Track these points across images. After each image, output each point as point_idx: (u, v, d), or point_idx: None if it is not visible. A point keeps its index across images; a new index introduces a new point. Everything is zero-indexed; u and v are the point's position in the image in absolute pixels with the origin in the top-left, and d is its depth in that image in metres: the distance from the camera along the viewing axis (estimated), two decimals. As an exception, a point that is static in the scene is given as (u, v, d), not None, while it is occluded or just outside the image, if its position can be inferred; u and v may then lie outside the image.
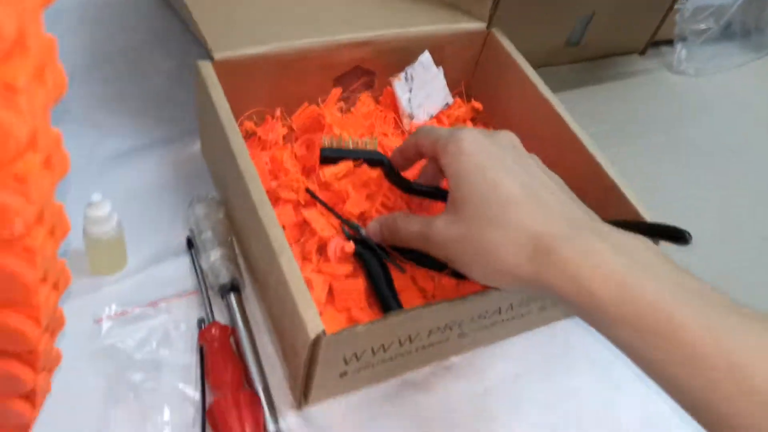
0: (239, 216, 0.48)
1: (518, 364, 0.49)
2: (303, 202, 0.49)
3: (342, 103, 0.57)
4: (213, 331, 0.45)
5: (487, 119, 0.61)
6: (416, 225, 0.41)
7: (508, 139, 0.41)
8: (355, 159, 0.48)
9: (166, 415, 0.42)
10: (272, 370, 0.45)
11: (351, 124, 0.55)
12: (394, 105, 0.58)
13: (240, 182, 0.43)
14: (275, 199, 0.50)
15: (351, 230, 0.47)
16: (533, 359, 0.50)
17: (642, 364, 0.32)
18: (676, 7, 0.77)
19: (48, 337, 0.29)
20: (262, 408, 0.42)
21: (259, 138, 0.55)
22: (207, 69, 0.48)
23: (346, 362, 0.40)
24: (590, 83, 0.77)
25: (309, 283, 0.45)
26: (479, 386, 0.48)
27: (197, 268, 0.48)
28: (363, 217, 0.49)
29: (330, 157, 0.48)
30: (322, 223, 0.48)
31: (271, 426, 0.42)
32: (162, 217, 0.52)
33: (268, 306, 0.46)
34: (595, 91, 0.76)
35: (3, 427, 0.33)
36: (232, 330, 0.46)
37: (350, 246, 0.45)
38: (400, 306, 0.44)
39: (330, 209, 0.48)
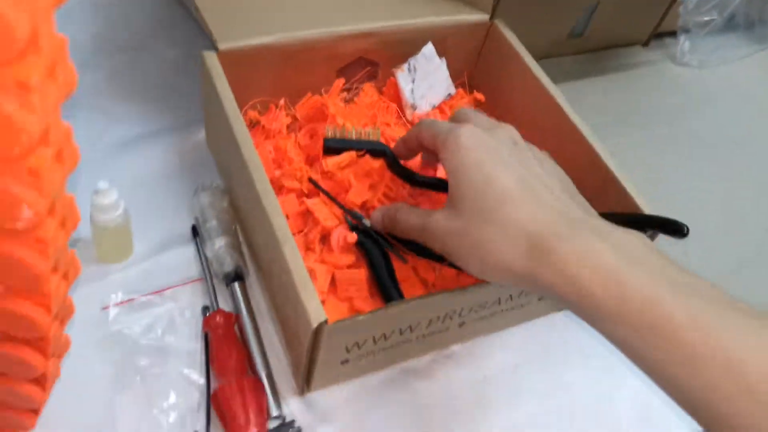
0: (243, 205, 0.49)
1: (517, 353, 0.50)
2: (306, 192, 0.50)
3: (345, 94, 0.58)
4: (217, 318, 0.45)
5: (489, 110, 0.62)
6: (415, 217, 0.42)
7: (507, 134, 0.41)
8: (357, 150, 0.49)
9: (172, 399, 0.43)
10: (275, 356, 0.46)
11: (354, 114, 0.56)
12: (397, 95, 0.59)
13: (244, 172, 0.43)
14: (279, 188, 0.51)
15: (354, 220, 0.48)
16: (532, 349, 0.51)
17: (640, 363, 0.32)
18: (679, -2, 0.77)
19: (58, 324, 0.30)
20: (266, 393, 0.43)
21: (263, 127, 0.55)
22: (212, 59, 0.49)
23: (347, 350, 0.41)
24: (593, 74, 0.77)
25: (312, 273, 0.46)
26: (479, 374, 0.49)
27: (202, 256, 0.49)
28: (365, 206, 0.49)
29: (333, 147, 0.48)
30: (325, 213, 0.48)
31: (274, 411, 0.43)
32: (167, 205, 0.53)
33: (271, 294, 0.47)
34: (598, 83, 0.76)
35: (15, 410, 0.34)
36: (236, 317, 0.46)
37: (353, 236, 0.46)
38: (401, 296, 0.45)
39: (333, 199, 0.49)
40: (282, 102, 0.56)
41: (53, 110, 0.21)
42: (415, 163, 0.51)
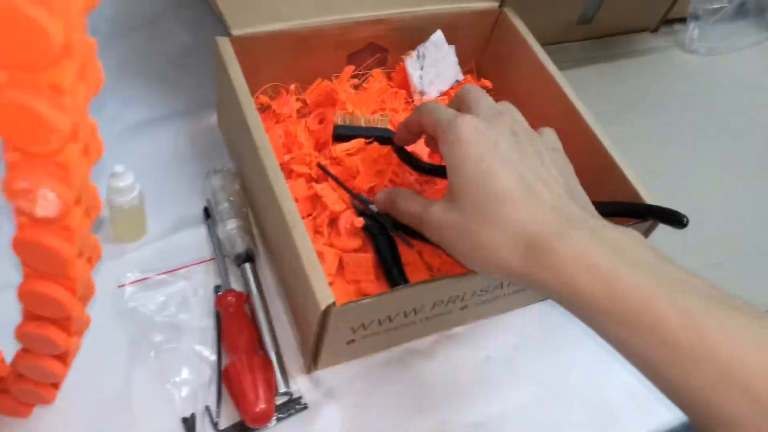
0: (254, 188, 0.50)
1: (517, 336, 0.52)
2: (315, 177, 0.51)
3: (355, 80, 0.59)
4: (229, 297, 0.47)
5: (496, 97, 0.62)
6: (415, 205, 0.42)
7: (508, 124, 0.40)
8: (366, 137, 0.50)
9: (185, 374, 0.45)
10: (284, 335, 0.47)
11: (363, 100, 0.56)
12: (405, 81, 0.59)
13: (256, 158, 0.45)
14: (289, 172, 0.52)
15: (361, 204, 0.49)
16: (532, 332, 0.52)
17: (635, 361, 0.33)
18: (690, -16, 0.77)
19: (81, 304, 0.31)
20: (274, 371, 0.45)
21: (274, 111, 0.56)
22: (225, 45, 0.50)
23: (353, 331, 0.43)
24: (601, 61, 0.77)
25: (320, 256, 0.47)
26: (480, 355, 0.50)
27: (214, 237, 0.51)
28: (373, 192, 0.51)
29: (342, 134, 0.50)
30: (333, 198, 0.50)
31: (282, 387, 0.44)
32: (180, 187, 0.54)
33: (281, 275, 0.49)
34: (605, 69, 0.76)
35: (38, 384, 0.36)
36: (247, 297, 0.48)
37: (360, 221, 0.47)
38: (406, 280, 0.47)
39: (341, 184, 0.50)
40: (292, 87, 0.57)
41: (82, 109, 0.22)
42: (424, 151, 0.52)
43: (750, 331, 0.30)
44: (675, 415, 0.48)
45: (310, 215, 0.51)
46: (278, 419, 0.44)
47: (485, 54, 0.63)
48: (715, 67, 0.81)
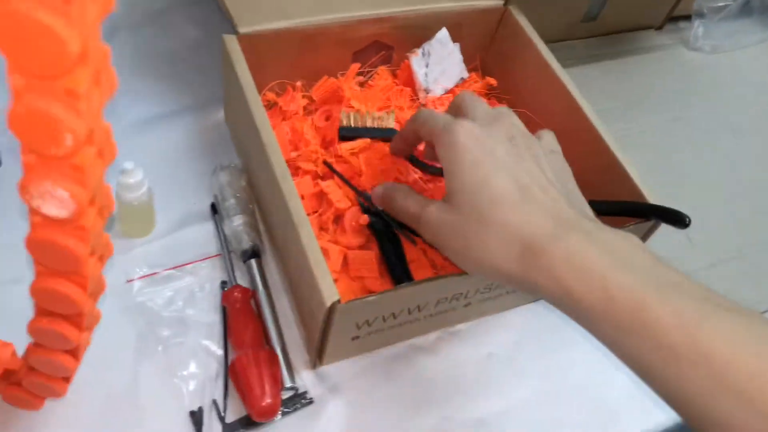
0: (261, 185, 0.51)
1: (519, 333, 0.52)
2: (321, 174, 0.52)
3: (360, 77, 0.59)
4: (235, 293, 0.48)
5: (501, 95, 0.63)
6: (412, 204, 0.42)
7: (504, 129, 0.40)
8: (371, 138, 0.50)
9: (192, 368, 0.46)
10: (290, 331, 0.48)
11: (369, 98, 0.57)
12: (410, 79, 0.60)
13: (263, 155, 0.45)
14: (295, 169, 0.52)
15: (366, 202, 0.50)
16: (533, 329, 0.53)
17: (628, 363, 0.33)
18: (695, -19, 0.77)
19: (92, 301, 0.32)
20: (280, 366, 0.45)
21: (281, 108, 0.57)
22: (232, 43, 0.50)
23: (358, 327, 0.43)
24: (606, 58, 0.77)
25: (325, 253, 0.48)
26: (482, 351, 0.51)
27: (221, 233, 0.51)
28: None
29: (347, 136, 0.50)
30: (338, 195, 0.50)
31: (287, 382, 0.45)
32: (188, 183, 0.55)
33: (287, 272, 0.49)
34: (610, 67, 0.77)
35: (49, 378, 0.37)
36: (253, 292, 0.49)
37: (365, 218, 0.48)
38: (410, 277, 0.47)
39: (346, 181, 0.51)
40: (299, 84, 0.57)
41: (97, 113, 0.23)
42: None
43: (745, 334, 0.30)
44: (674, 414, 0.49)
45: (315, 212, 0.51)
46: (284, 413, 0.45)
47: (490, 52, 0.64)
48: (720, 65, 0.81)
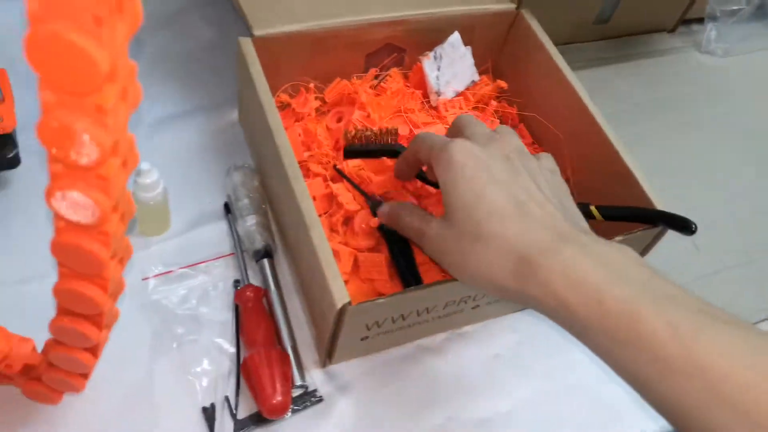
0: (273, 185, 0.52)
1: (525, 334, 0.53)
2: (331, 176, 0.53)
3: (373, 81, 0.60)
4: (248, 292, 0.49)
5: (511, 98, 0.63)
6: (416, 220, 0.42)
7: (502, 147, 0.41)
8: (376, 157, 0.51)
9: (205, 365, 0.47)
10: (300, 330, 0.49)
11: (381, 103, 0.57)
12: (422, 81, 0.60)
13: (276, 157, 0.46)
14: (307, 170, 0.53)
15: (375, 199, 0.50)
16: (539, 330, 0.53)
17: (624, 376, 0.33)
18: (708, -16, 0.77)
19: (111, 301, 0.33)
20: (291, 364, 0.46)
21: (294, 109, 0.58)
22: (247, 45, 0.51)
23: (368, 328, 0.44)
24: (617, 61, 0.77)
25: (336, 254, 0.49)
26: (489, 352, 0.52)
27: (234, 233, 0.52)
28: (386, 197, 0.52)
29: (353, 152, 0.51)
30: (348, 198, 0.51)
31: (298, 380, 0.46)
32: (201, 183, 0.56)
33: (298, 272, 0.50)
34: (621, 69, 0.77)
35: (69, 374, 0.38)
36: (265, 292, 0.50)
37: (375, 221, 0.49)
38: (419, 280, 0.48)
39: (356, 186, 0.51)
40: (311, 86, 0.58)
41: (123, 126, 0.24)
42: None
43: (740, 347, 0.30)
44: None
45: (326, 212, 0.52)
46: (294, 411, 0.46)
47: (501, 55, 0.64)
48: (732, 69, 0.81)
